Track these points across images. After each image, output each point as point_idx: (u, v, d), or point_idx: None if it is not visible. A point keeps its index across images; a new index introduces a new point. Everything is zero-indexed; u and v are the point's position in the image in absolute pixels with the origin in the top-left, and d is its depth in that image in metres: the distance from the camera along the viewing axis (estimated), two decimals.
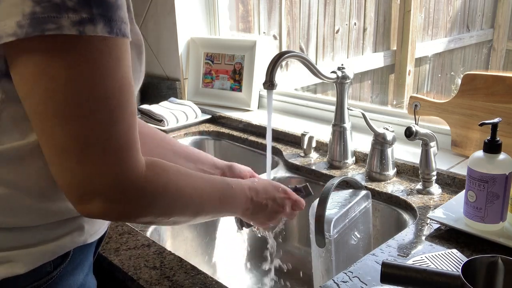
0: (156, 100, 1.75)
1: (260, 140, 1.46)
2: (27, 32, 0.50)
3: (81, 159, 0.54)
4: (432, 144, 1.06)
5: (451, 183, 1.09)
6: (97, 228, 0.73)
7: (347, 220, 0.95)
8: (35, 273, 0.65)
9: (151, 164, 0.61)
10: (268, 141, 1.00)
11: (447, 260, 0.79)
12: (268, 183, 0.87)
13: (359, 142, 1.29)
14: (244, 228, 0.95)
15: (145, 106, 1.65)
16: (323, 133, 1.36)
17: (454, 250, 0.82)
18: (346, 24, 3.02)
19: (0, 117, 0.58)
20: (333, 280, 0.77)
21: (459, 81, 1.17)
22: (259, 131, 1.51)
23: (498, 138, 0.84)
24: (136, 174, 0.58)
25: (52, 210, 0.65)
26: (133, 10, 0.65)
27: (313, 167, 1.25)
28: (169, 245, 1.12)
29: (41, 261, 0.65)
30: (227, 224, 1.24)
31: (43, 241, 0.65)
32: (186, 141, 1.57)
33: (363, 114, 1.13)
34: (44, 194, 0.63)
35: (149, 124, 1.06)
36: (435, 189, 1.07)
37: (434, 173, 1.07)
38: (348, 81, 1.19)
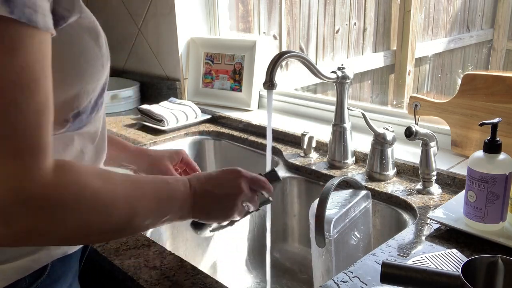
0: (156, 100, 1.75)
1: (260, 140, 1.46)
2: None
3: None
4: (432, 144, 1.06)
5: (451, 183, 1.09)
6: None
7: (347, 220, 0.95)
8: None
9: (60, 169, 0.51)
10: (268, 141, 1.00)
11: (447, 260, 0.79)
12: (214, 171, 0.75)
13: (359, 142, 1.29)
14: (201, 231, 0.81)
15: (145, 106, 1.65)
16: (323, 133, 1.36)
17: (454, 250, 0.82)
18: (346, 24, 3.02)
19: None
20: (333, 280, 0.77)
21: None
22: (259, 131, 1.51)
23: (498, 138, 0.84)
24: (36, 182, 0.48)
25: None
26: None
27: (313, 167, 1.25)
28: (169, 245, 1.12)
29: (14, 278, 0.62)
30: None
31: (15, 257, 0.61)
32: (186, 141, 1.57)
33: (363, 114, 1.13)
34: None
35: None
36: (435, 189, 1.07)
37: (434, 173, 1.07)
38: (348, 81, 1.19)
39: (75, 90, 0.60)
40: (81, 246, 0.72)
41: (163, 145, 1.52)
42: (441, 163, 1.13)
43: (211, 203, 0.71)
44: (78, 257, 0.74)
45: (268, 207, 0.99)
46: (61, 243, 0.58)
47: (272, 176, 0.84)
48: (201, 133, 1.60)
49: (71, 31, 0.57)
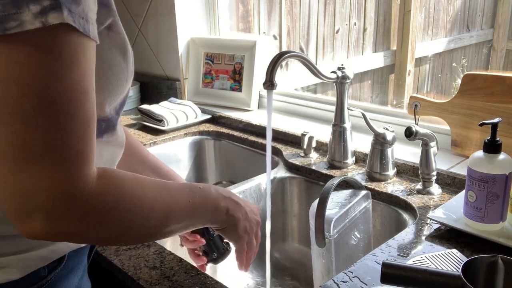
0: (156, 100, 1.75)
1: (260, 140, 1.46)
2: None
3: (15, 168, 0.48)
4: (432, 144, 1.06)
5: (451, 183, 1.09)
6: None
7: (347, 220, 0.95)
8: (29, 278, 0.64)
9: (102, 175, 0.55)
10: (268, 141, 1.00)
11: (447, 260, 0.79)
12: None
13: (359, 142, 1.29)
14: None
15: (145, 106, 1.65)
16: (323, 133, 1.36)
17: (454, 250, 0.82)
18: (346, 24, 3.02)
19: None
20: (333, 280, 0.77)
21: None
22: (259, 131, 1.51)
23: (498, 138, 0.84)
24: (82, 188, 0.51)
25: None
26: (114, 7, 0.62)
27: (313, 167, 1.25)
28: (169, 245, 1.12)
29: (35, 267, 0.64)
30: None
31: (36, 246, 0.64)
32: (186, 141, 1.57)
33: (363, 114, 1.13)
34: None
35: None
36: (435, 189, 1.07)
37: (434, 173, 1.07)
38: (348, 81, 1.19)
39: (98, 99, 0.61)
40: None
41: (163, 145, 1.52)
42: (441, 163, 1.13)
43: (240, 216, 0.76)
44: (87, 251, 0.76)
45: (268, 207, 0.99)
46: (100, 244, 0.61)
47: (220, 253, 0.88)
48: (201, 133, 1.60)
49: (103, 45, 0.59)
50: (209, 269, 1.21)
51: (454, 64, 4.06)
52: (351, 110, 1.21)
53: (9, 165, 0.49)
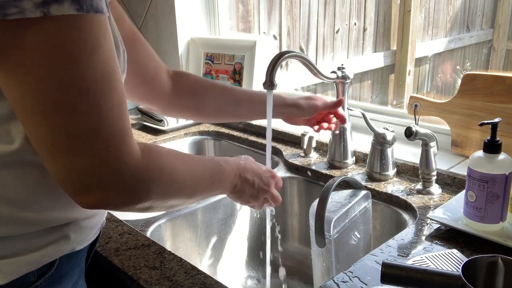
0: None
1: (260, 140, 1.46)
2: None
3: (71, 153, 0.52)
4: (432, 144, 1.06)
5: (451, 183, 1.09)
6: (84, 236, 0.71)
7: (347, 220, 0.95)
8: (17, 283, 0.63)
9: (145, 150, 0.60)
10: (268, 141, 1.00)
11: (447, 260, 0.79)
12: (256, 165, 0.88)
13: (359, 142, 1.29)
14: None
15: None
16: (323, 133, 1.36)
17: (454, 250, 0.82)
18: (346, 24, 3.02)
19: None
20: (333, 280, 0.77)
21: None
22: (259, 131, 1.51)
23: (498, 138, 0.84)
24: (131, 161, 0.56)
25: (33, 219, 0.62)
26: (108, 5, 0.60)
27: (313, 167, 1.25)
28: (169, 245, 1.12)
29: (24, 271, 0.63)
30: (226, 223, 1.24)
31: (25, 250, 0.63)
32: (186, 141, 1.57)
33: (363, 114, 1.13)
34: (24, 203, 0.61)
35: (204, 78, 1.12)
36: (435, 189, 1.07)
37: (434, 173, 1.07)
38: (348, 81, 1.19)
39: None
40: (88, 244, 0.73)
41: (163, 145, 1.52)
42: (441, 163, 1.13)
43: (246, 188, 0.83)
44: (85, 255, 0.75)
45: (268, 207, 0.99)
46: (144, 211, 0.65)
47: None
48: (201, 133, 1.60)
49: None
50: (209, 269, 1.22)
51: (458, 67, 4.05)
52: (351, 110, 1.21)
53: (65, 151, 0.52)
